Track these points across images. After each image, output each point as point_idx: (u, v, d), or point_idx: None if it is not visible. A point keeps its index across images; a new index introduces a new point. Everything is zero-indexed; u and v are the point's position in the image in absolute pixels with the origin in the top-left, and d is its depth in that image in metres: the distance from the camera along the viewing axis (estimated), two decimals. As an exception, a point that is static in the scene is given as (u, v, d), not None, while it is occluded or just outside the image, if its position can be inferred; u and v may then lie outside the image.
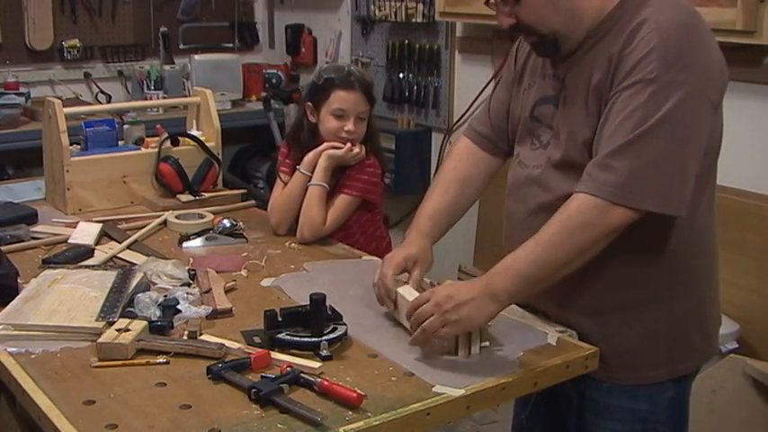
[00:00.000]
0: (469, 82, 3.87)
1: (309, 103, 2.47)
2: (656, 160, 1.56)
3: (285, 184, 2.48)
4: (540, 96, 1.81)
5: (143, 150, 2.80)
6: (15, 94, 4.15)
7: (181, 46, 4.87)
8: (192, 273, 2.08)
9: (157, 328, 1.76)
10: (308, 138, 2.48)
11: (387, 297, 1.83)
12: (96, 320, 1.78)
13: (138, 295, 1.87)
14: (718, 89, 1.62)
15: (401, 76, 4.16)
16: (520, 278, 1.62)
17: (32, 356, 1.68)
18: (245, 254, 2.29)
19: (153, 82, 4.47)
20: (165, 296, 1.88)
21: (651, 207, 1.57)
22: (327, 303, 1.74)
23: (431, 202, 1.97)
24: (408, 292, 1.81)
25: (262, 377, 1.56)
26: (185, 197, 2.73)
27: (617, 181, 1.56)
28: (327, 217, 2.40)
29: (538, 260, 1.60)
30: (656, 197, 1.57)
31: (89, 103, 4.47)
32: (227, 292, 1.99)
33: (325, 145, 2.42)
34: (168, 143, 2.78)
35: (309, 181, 2.41)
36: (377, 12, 4.21)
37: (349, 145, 2.40)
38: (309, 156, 2.43)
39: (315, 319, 1.71)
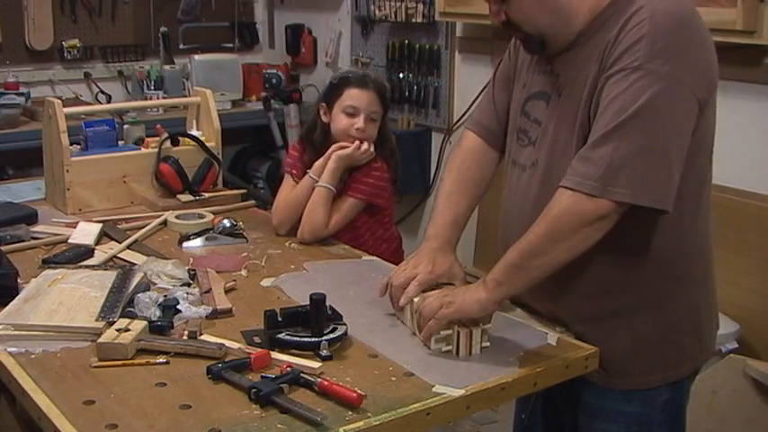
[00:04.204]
0: (469, 82, 3.87)
1: (323, 104, 2.47)
2: (635, 151, 1.53)
3: (296, 183, 2.47)
4: (531, 92, 1.80)
5: (143, 150, 2.80)
6: (15, 94, 4.15)
7: (181, 46, 4.87)
8: (192, 273, 2.08)
9: (157, 328, 1.76)
10: (321, 139, 2.47)
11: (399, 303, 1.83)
12: (96, 320, 1.78)
13: (138, 295, 1.87)
14: (704, 87, 1.59)
15: (401, 76, 4.16)
16: (505, 266, 1.66)
17: (32, 356, 1.68)
18: (245, 254, 2.29)
19: (153, 82, 4.47)
20: (165, 296, 1.88)
21: (629, 199, 1.54)
22: (327, 303, 1.74)
23: (452, 205, 1.94)
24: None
25: (262, 377, 1.56)
26: (185, 197, 2.73)
27: (595, 173, 1.54)
28: (331, 219, 2.39)
29: (523, 249, 1.63)
30: (634, 189, 1.53)
31: (89, 103, 4.47)
32: (227, 292, 1.99)
33: (333, 147, 2.41)
34: (168, 143, 2.78)
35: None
36: (377, 12, 4.21)
37: (357, 142, 2.39)
38: (320, 161, 2.42)
39: (315, 319, 1.71)
